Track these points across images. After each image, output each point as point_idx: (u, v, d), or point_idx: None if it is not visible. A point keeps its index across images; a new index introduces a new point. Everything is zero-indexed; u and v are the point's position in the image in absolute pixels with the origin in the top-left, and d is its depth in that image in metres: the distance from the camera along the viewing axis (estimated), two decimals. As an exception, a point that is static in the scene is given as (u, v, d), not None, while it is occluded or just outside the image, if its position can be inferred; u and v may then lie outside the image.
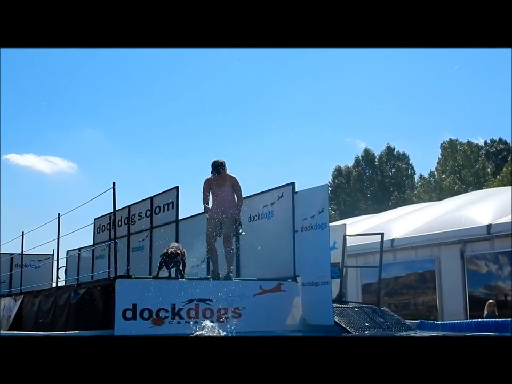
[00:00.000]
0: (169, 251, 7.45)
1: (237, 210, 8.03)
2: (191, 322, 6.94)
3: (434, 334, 7.63)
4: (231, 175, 8.06)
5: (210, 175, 8.03)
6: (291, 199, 8.06)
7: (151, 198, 10.47)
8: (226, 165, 8.00)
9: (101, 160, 51.19)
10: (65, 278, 13.45)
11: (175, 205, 9.71)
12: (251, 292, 7.50)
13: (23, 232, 12.20)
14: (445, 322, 8.86)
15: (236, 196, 8.07)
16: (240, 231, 8.03)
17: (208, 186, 8.05)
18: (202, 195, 8.13)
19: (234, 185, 8.06)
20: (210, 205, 8.06)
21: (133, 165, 51.01)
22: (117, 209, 7.98)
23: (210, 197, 8.08)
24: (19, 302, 10.92)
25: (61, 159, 57.79)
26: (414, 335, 7.37)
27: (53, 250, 11.68)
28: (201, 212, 8.46)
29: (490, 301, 10.14)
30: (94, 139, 50.25)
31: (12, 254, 14.95)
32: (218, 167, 7.92)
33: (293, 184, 8.15)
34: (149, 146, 53.40)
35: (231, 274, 7.93)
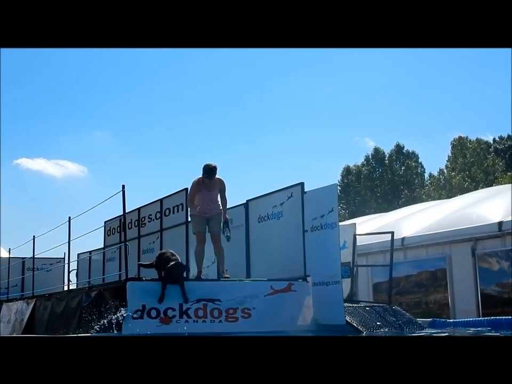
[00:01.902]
0: (171, 264, 6.91)
1: (223, 210, 8.07)
2: (199, 322, 6.97)
3: (446, 333, 7.60)
4: (220, 178, 8.08)
5: (199, 177, 7.99)
6: (300, 199, 8.05)
7: (161, 200, 10.48)
8: (217, 170, 7.98)
9: (110, 162, 51.57)
10: (77, 281, 13.52)
11: (184, 206, 9.71)
12: (262, 292, 7.50)
13: (34, 236, 12.30)
14: (457, 320, 8.82)
15: (220, 198, 8.11)
16: (229, 234, 8.03)
17: (197, 188, 8.00)
18: (189, 195, 8.12)
19: (222, 188, 8.11)
20: (196, 205, 8.01)
21: (142, 167, 51.34)
22: (127, 211, 8.01)
23: (196, 198, 8.02)
24: (31, 305, 10.99)
25: (71, 163, 58.24)
26: (426, 334, 7.33)
27: (64, 253, 11.74)
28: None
29: None
30: (102, 141, 50.68)
31: (23, 258, 15.07)
32: (211, 171, 7.89)
33: (302, 184, 8.14)
34: (157, 148, 53.72)
35: (226, 273, 7.90)
